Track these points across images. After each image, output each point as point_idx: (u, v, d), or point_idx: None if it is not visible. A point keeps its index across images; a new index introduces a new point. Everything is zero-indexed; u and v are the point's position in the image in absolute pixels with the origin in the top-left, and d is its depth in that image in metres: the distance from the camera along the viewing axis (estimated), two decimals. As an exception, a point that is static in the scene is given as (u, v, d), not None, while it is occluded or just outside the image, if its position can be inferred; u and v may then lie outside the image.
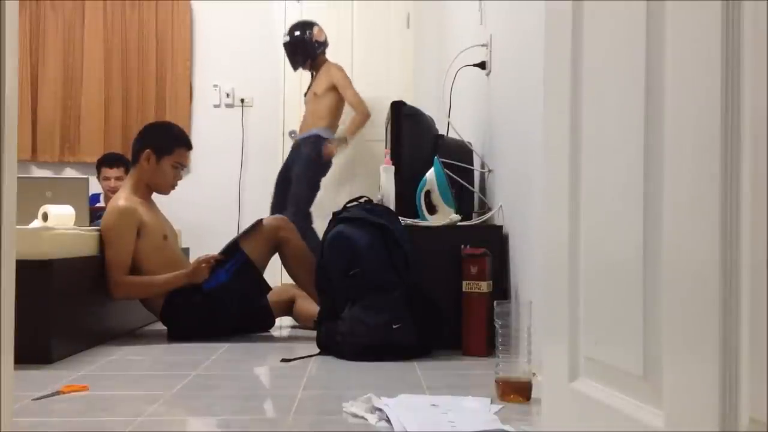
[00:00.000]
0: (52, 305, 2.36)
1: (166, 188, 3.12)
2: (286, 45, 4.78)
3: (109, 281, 2.87)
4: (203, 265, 2.97)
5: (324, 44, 4.79)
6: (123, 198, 2.98)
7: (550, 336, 1.26)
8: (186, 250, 3.88)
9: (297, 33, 4.75)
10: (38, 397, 1.83)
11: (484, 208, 2.95)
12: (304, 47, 4.73)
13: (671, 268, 0.90)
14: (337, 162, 5.16)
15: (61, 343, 2.41)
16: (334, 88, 4.71)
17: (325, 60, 4.80)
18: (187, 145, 3.17)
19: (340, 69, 4.76)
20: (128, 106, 5.36)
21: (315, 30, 4.76)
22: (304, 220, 4.51)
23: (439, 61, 4.30)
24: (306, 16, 4.95)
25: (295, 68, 4.83)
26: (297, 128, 4.96)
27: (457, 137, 3.06)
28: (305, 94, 4.91)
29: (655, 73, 0.96)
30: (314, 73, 4.82)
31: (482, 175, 3.06)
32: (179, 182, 3.16)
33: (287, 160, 4.78)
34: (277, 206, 4.67)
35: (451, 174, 2.77)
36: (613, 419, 1.04)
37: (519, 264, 2.48)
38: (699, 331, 0.83)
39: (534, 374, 1.79)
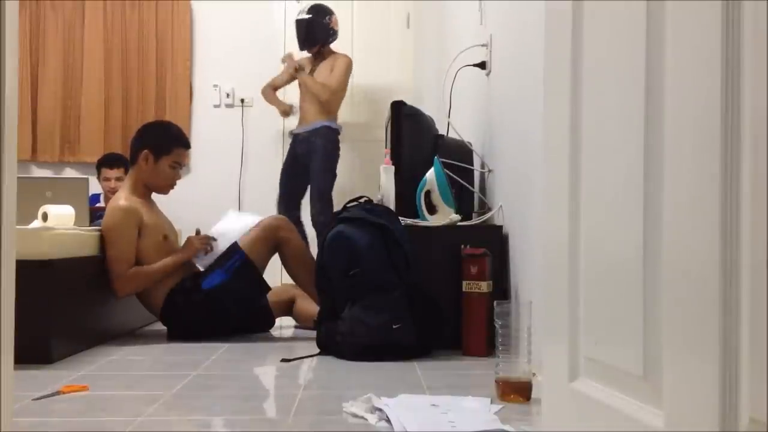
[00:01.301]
0: (52, 305, 2.36)
1: (164, 188, 3.12)
2: (304, 22, 4.68)
3: (112, 278, 2.87)
4: (193, 240, 3.03)
5: (336, 34, 4.78)
6: (123, 198, 2.98)
7: (550, 336, 1.26)
8: (186, 250, 3.87)
9: (317, 15, 4.69)
10: (38, 397, 1.83)
11: (484, 208, 2.95)
12: (322, 30, 4.70)
13: (671, 268, 0.90)
14: (338, 162, 5.16)
15: (61, 343, 2.41)
16: (345, 81, 4.70)
17: (331, 51, 4.78)
18: (185, 145, 3.17)
19: (348, 58, 4.72)
20: (128, 106, 5.36)
21: (333, 18, 4.74)
22: (330, 211, 4.48)
23: (439, 61, 4.30)
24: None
25: (303, 48, 4.76)
26: (296, 127, 4.92)
27: (457, 137, 3.06)
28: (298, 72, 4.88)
29: (655, 73, 0.96)
30: (316, 61, 4.78)
31: (482, 175, 3.06)
32: (179, 182, 3.16)
33: (294, 152, 4.70)
34: (289, 200, 4.63)
35: (451, 174, 2.77)
36: (613, 419, 1.04)
37: (519, 264, 2.48)
38: (699, 331, 0.83)
39: (534, 374, 1.79)
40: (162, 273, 2.96)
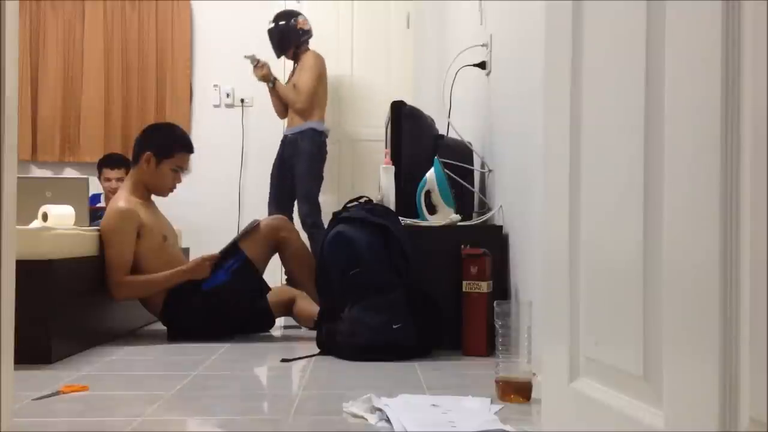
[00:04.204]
0: (52, 305, 2.36)
1: (164, 191, 3.11)
2: (271, 31, 4.71)
3: (110, 283, 2.87)
4: (207, 262, 2.97)
5: (308, 33, 4.75)
6: (122, 199, 2.97)
7: (550, 336, 1.26)
8: (186, 250, 3.87)
9: (282, 20, 4.71)
10: (38, 397, 1.83)
11: (484, 208, 2.95)
12: (289, 34, 4.70)
13: (671, 268, 0.90)
14: (338, 162, 5.16)
15: (61, 343, 2.41)
16: (315, 78, 4.69)
17: (307, 50, 4.77)
18: (189, 149, 3.15)
19: (317, 56, 4.70)
20: (128, 106, 5.36)
21: (300, 19, 4.73)
22: (318, 213, 4.52)
23: (439, 61, 4.30)
24: (306, 16, 4.91)
25: (278, 56, 4.77)
26: (285, 128, 4.86)
27: (457, 137, 3.06)
28: (286, 83, 4.82)
29: (655, 73, 0.96)
30: (295, 64, 4.77)
31: (482, 175, 3.06)
32: (179, 184, 3.15)
33: (282, 153, 4.69)
34: (279, 202, 4.62)
35: (451, 174, 2.77)
36: (613, 419, 1.04)
37: (519, 264, 2.48)
38: (699, 331, 0.83)
39: (534, 374, 1.79)
40: (161, 285, 2.94)
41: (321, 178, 4.66)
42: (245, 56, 4.65)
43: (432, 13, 4.77)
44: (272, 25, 4.72)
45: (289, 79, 4.77)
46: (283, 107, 4.80)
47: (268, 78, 4.67)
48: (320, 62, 4.69)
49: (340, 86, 5.26)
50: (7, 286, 1.23)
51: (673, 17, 0.91)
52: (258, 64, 4.64)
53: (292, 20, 4.70)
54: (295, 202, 4.64)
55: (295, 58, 4.74)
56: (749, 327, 0.76)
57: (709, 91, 0.82)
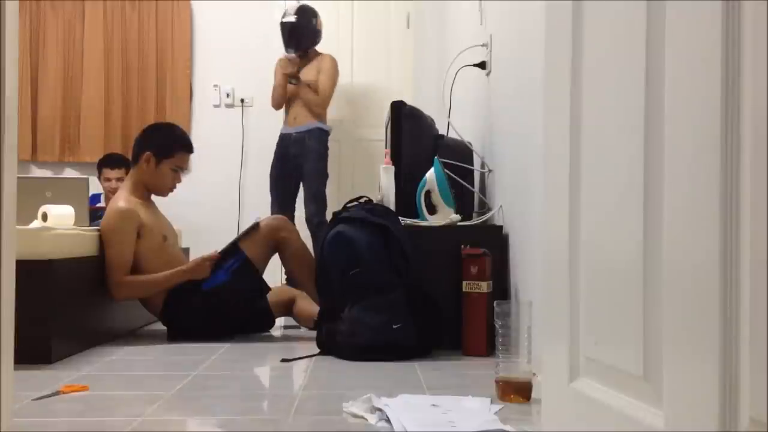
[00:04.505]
0: (52, 305, 2.36)
1: (164, 191, 3.11)
2: (290, 25, 4.64)
3: (110, 283, 2.87)
4: (207, 262, 2.97)
5: (321, 35, 4.76)
6: (122, 199, 2.97)
7: (550, 336, 1.26)
8: (186, 250, 3.87)
9: (303, 17, 4.65)
10: (38, 397, 1.83)
11: (484, 208, 2.95)
12: (309, 33, 4.67)
13: (671, 268, 0.90)
14: (338, 162, 5.15)
15: (61, 343, 2.41)
16: (335, 83, 4.69)
17: (316, 51, 4.76)
18: (188, 149, 3.15)
19: (334, 60, 4.71)
20: (128, 106, 5.36)
21: (319, 20, 4.72)
22: (324, 211, 4.51)
23: (439, 61, 4.30)
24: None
25: (290, 51, 4.73)
26: (286, 127, 4.81)
27: (457, 137, 3.06)
28: (290, 82, 4.75)
29: (655, 73, 0.96)
30: (302, 62, 4.73)
31: (482, 175, 3.06)
32: (178, 184, 3.15)
33: (285, 153, 4.64)
34: (283, 201, 4.61)
35: (451, 174, 2.77)
36: (613, 419, 1.04)
37: (519, 264, 2.48)
38: (699, 331, 0.83)
39: (534, 374, 1.79)
40: (161, 286, 2.94)
41: (327, 176, 4.66)
42: (287, 49, 4.65)
43: (432, 13, 4.77)
44: (293, 19, 4.63)
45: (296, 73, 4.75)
46: (284, 100, 4.76)
47: (294, 75, 4.64)
48: (337, 66, 4.71)
49: (341, 86, 5.25)
50: (7, 286, 1.23)
51: (673, 17, 0.91)
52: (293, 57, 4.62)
53: (314, 20, 4.67)
54: (299, 201, 4.63)
55: (305, 56, 4.72)
56: (749, 327, 0.76)
57: (709, 91, 0.82)
